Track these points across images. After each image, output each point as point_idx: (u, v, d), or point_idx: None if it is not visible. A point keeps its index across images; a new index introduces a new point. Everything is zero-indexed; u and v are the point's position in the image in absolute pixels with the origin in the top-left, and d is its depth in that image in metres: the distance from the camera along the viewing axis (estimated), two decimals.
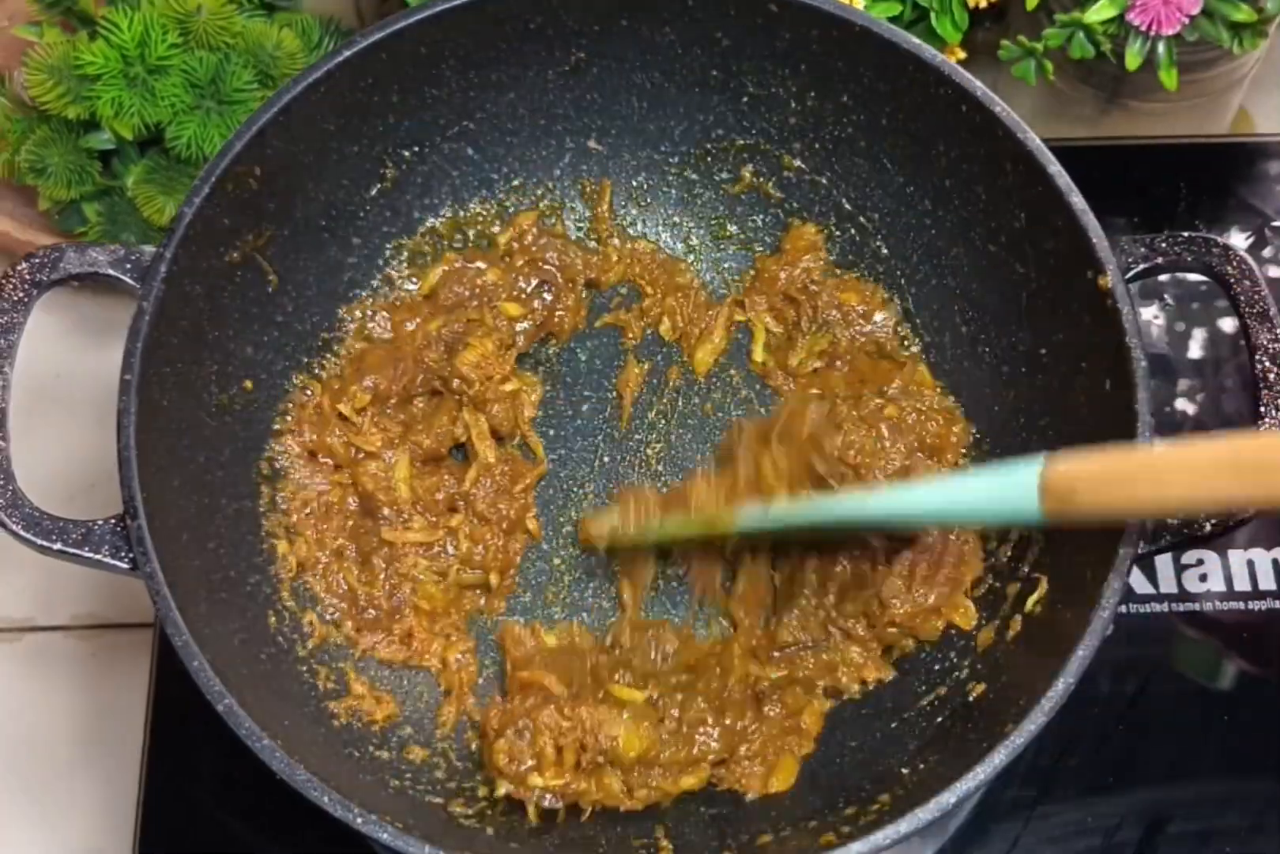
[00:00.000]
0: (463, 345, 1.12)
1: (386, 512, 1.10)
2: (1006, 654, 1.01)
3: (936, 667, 1.05)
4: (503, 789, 0.99)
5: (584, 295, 1.19)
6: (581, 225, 1.20)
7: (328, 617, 1.08)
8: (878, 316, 1.15)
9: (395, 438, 1.11)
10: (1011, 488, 0.88)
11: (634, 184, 1.20)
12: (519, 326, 1.15)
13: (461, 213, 1.18)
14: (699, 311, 1.18)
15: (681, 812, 1.02)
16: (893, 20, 1.15)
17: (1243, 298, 0.97)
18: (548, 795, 0.99)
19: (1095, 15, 1.16)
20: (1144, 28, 1.16)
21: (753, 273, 1.19)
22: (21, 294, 0.98)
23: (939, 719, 1.02)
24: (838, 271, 1.17)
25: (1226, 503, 0.84)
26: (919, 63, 1.04)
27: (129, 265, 0.99)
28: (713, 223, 1.21)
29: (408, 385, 1.12)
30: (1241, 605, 1.18)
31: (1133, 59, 1.18)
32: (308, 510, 1.09)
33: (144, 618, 1.20)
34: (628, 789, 1.01)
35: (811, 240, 1.17)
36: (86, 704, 1.20)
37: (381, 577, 1.08)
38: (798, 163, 1.16)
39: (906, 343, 1.15)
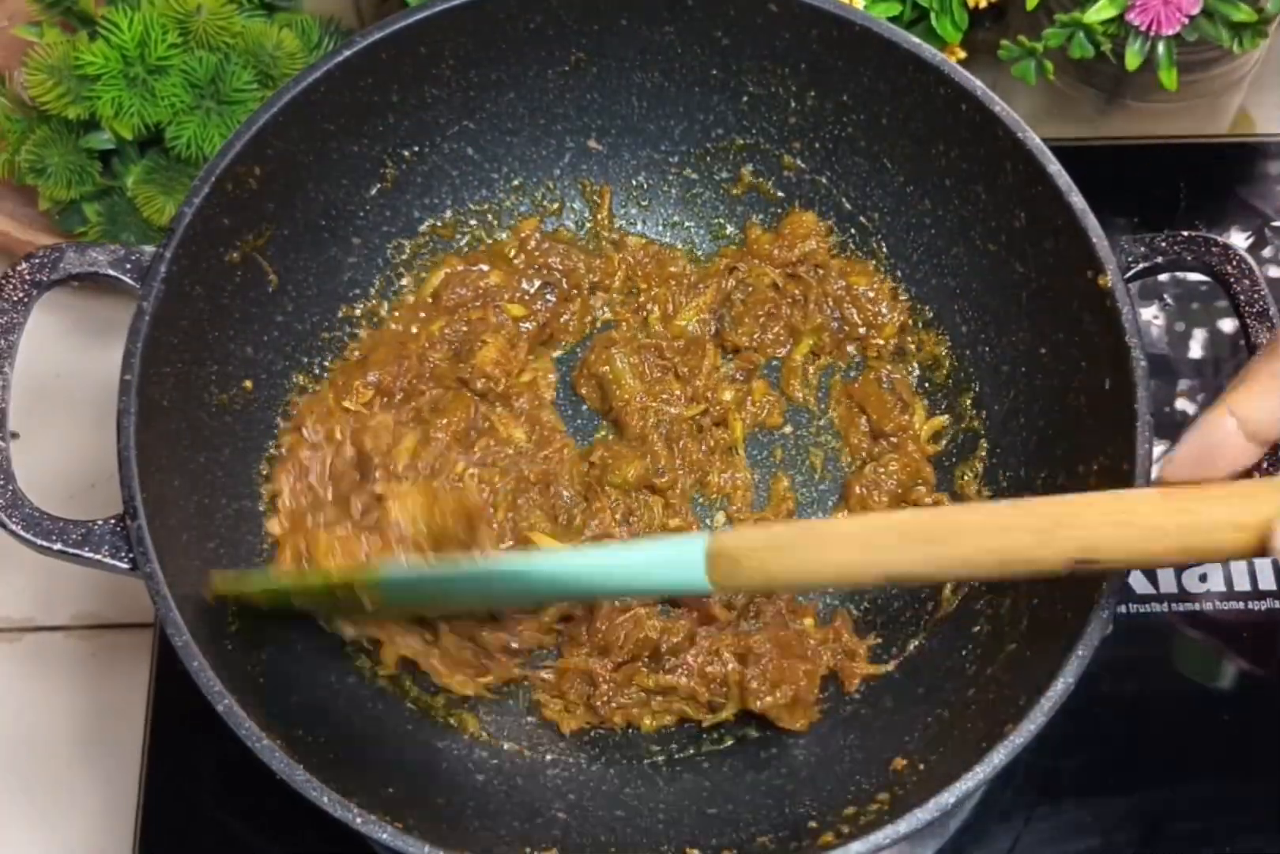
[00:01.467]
0: (479, 343, 1.12)
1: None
2: (1006, 654, 1.01)
3: (937, 666, 1.06)
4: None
5: (589, 299, 1.18)
6: (582, 225, 1.20)
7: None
8: (884, 306, 1.15)
9: (407, 422, 1.11)
10: (676, 558, 0.86)
11: (634, 183, 1.20)
12: (523, 326, 1.16)
13: (461, 212, 1.18)
14: (688, 293, 1.18)
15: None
16: (893, 20, 1.15)
17: (1242, 297, 0.97)
18: None
19: (1095, 15, 1.16)
20: (1144, 28, 1.16)
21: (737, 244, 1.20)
22: (21, 294, 0.98)
23: (939, 718, 1.02)
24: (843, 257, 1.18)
25: (897, 572, 0.82)
26: (919, 62, 1.04)
27: (129, 265, 0.99)
28: (713, 223, 1.21)
29: (413, 381, 1.12)
30: (1241, 605, 1.18)
31: (1133, 59, 1.18)
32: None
33: (144, 618, 1.20)
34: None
35: (811, 227, 1.17)
36: (86, 704, 1.20)
37: None
38: (798, 162, 1.16)
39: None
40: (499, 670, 1.05)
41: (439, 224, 1.17)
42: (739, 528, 0.86)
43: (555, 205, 1.20)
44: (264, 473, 1.08)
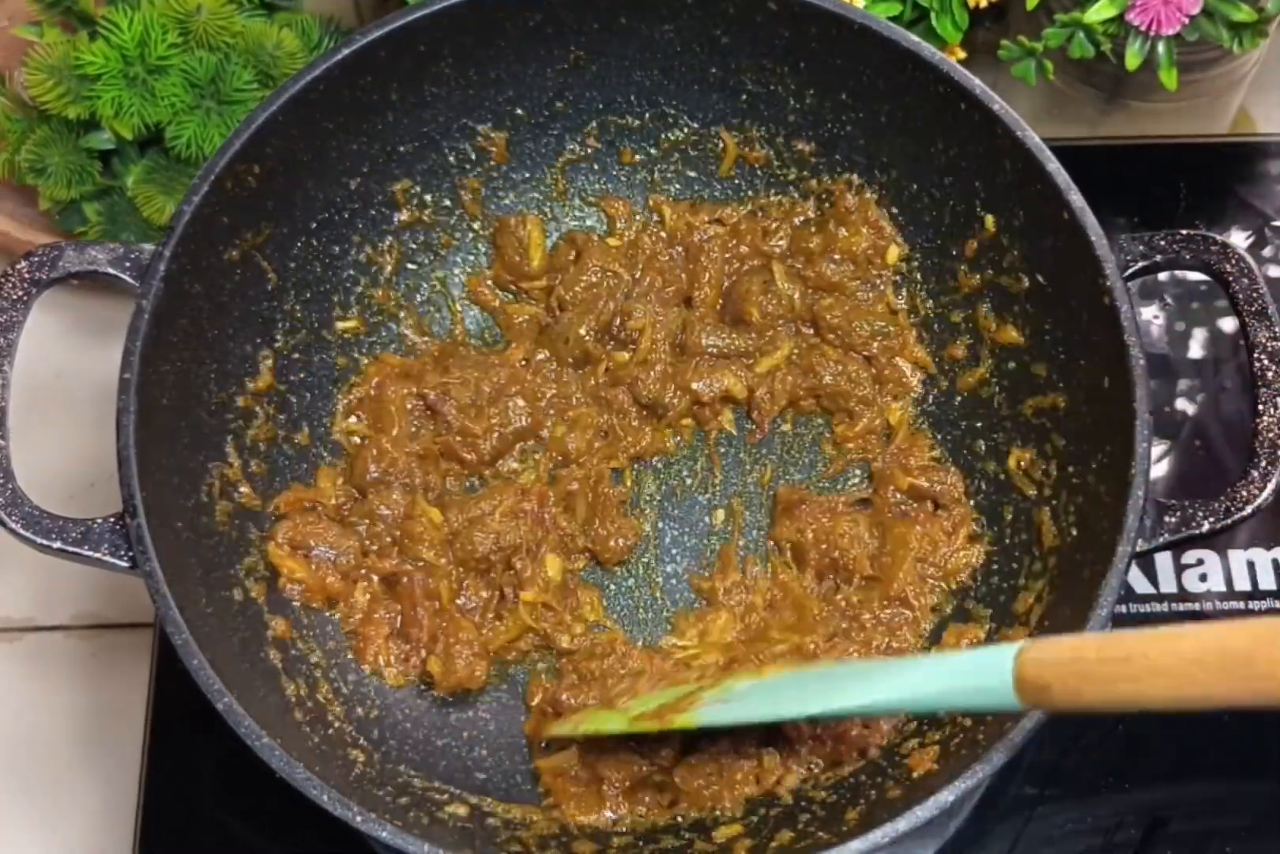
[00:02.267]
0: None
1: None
2: None
3: None
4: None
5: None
6: (581, 220, 1.21)
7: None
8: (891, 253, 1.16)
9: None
10: (985, 679, 0.81)
11: (634, 180, 1.20)
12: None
13: (461, 211, 1.18)
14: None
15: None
16: (893, 20, 1.15)
17: (1241, 296, 0.97)
18: None
19: (1095, 15, 1.16)
20: (1144, 28, 1.16)
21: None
22: (21, 293, 0.98)
23: (939, 717, 1.02)
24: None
25: (1215, 703, 0.74)
26: (918, 61, 1.04)
27: (128, 264, 0.99)
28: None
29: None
30: (1241, 605, 1.18)
31: (1133, 59, 1.18)
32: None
33: (144, 618, 1.20)
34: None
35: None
36: (86, 704, 1.20)
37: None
38: (796, 160, 1.16)
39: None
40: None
41: (439, 222, 1.18)
42: (1042, 646, 0.79)
43: (554, 199, 1.20)
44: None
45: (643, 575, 1.13)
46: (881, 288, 1.16)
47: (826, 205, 1.17)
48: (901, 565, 1.08)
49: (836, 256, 1.15)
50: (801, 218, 1.18)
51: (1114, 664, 0.76)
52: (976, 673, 0.82)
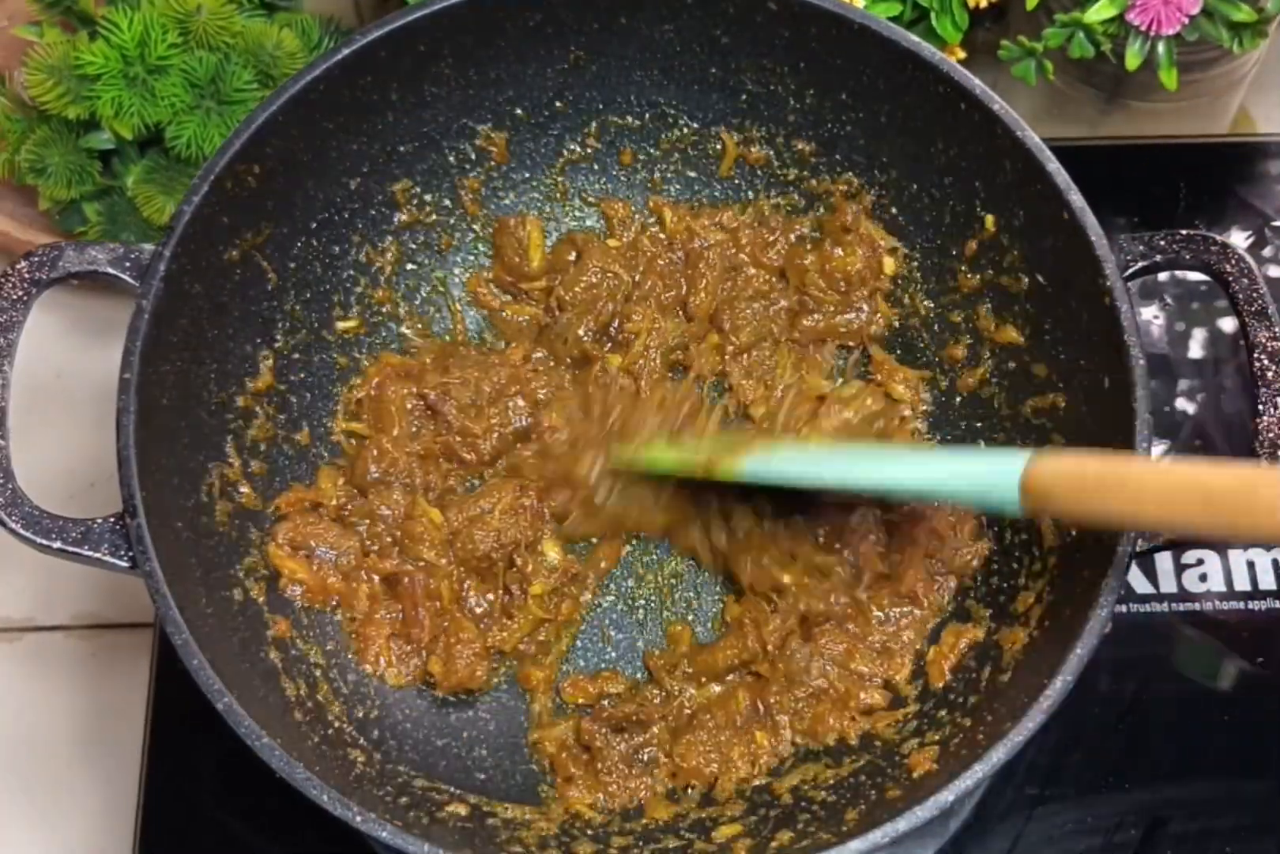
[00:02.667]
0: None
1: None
2: (1006, 652, 1.01)
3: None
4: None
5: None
6: (581, 220, 1.21)
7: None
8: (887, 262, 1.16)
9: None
10: (995, 478, 0.89)
11: (634, 180, 1.20)
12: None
13: (461, 211, 1.18)
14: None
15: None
16: (893, 20, 1.15)
17: (1241, 296, 0.97)
18: None
19: (1095, 15, 1.16)
20: (1144, 28, 1.16)
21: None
22: (21, 293, 0.98)
23: (938, 716, 1.02)
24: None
25: (1194, 528, 0.85)
26: (917, 61, 1.04)
27: (128, 264, 0.99)
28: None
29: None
30: (1241, 605, 1.18)
31: (1133, 59, 1.18)
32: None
33: (144, 618, 1.20)
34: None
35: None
36: (86, 704, 1.20)
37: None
38: (797, 160, 1.16)
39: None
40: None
41: (439, 221, 1.18)
42: (1053, 458, 0.88)
43: (556, 198, 1.20)
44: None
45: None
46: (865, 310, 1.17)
47: (823, 211, 1.17)
48: (912, 563, 1.08)
49: (824, 282, 1.16)
50: (798, 233, 1.18)
51: (1113, 482, 0.85)
52: (990, 469, 0.91)
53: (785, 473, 1.03)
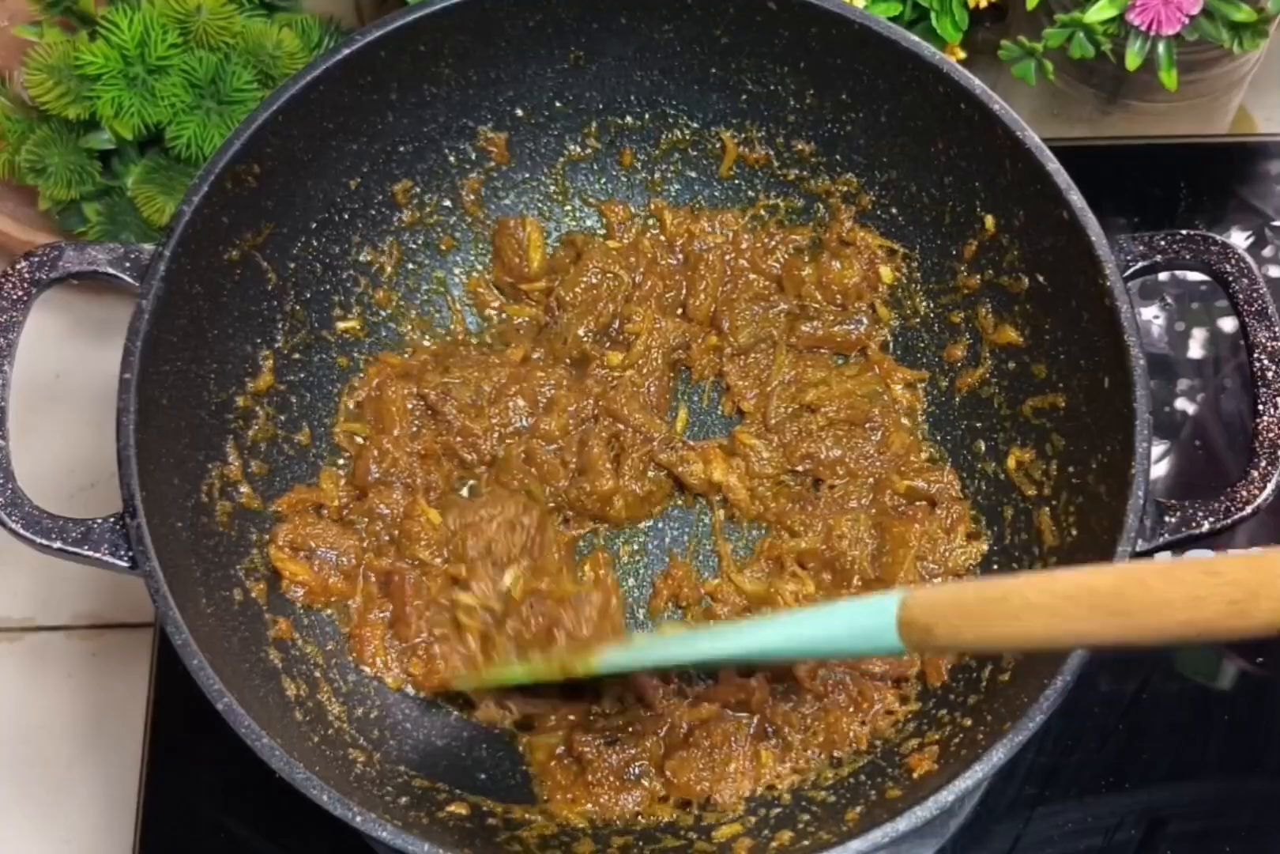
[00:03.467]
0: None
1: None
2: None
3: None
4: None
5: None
6: (581, 221, 1.21)
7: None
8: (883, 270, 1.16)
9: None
10: (869, 624, 0.85)
11: (634, 180, 1.20)
12: None
13: (461, 211, 1.18)
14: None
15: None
16: (893, 20, 1.15)
17: (1241, 296, 0.97)
18: None
19: (1095, 15, 1.16)
20: (1144, 28, 1.16)
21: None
22: (21, 293, 0.98)
23: (938, 716, 1.02)
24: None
25: (1088, 641, 0.81)
26: (918, 61, 1.04)
27: (128, 264, 0.99)
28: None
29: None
30: None
31: (1133, 59, 1.18)
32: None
33: (144, 618, 1.20)
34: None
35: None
36: (86, 704, 1.20)
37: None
38: (797, 160, 1.16)
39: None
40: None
41: (439, 221, 1.18)
42: (926, 592, 0.85)
43: (557, 199, 1.20)
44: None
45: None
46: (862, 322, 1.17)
47: (823, 212, 1.17)
48: (902, 565, 1.08)
49: (820, 295, 1.16)
50: (796, 244, 1.18)
51: (992, 603, 0.79)
52: (863, 618, 0.86)
53: (643, 659, 1.01)
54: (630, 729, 1.05)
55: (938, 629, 0.82)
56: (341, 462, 1.13)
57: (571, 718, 1.06)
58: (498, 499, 1.11)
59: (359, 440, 1.13)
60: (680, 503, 1.15)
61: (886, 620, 0.83)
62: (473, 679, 1.06)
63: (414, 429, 1.13)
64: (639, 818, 1.03)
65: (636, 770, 1.04)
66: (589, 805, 1.03)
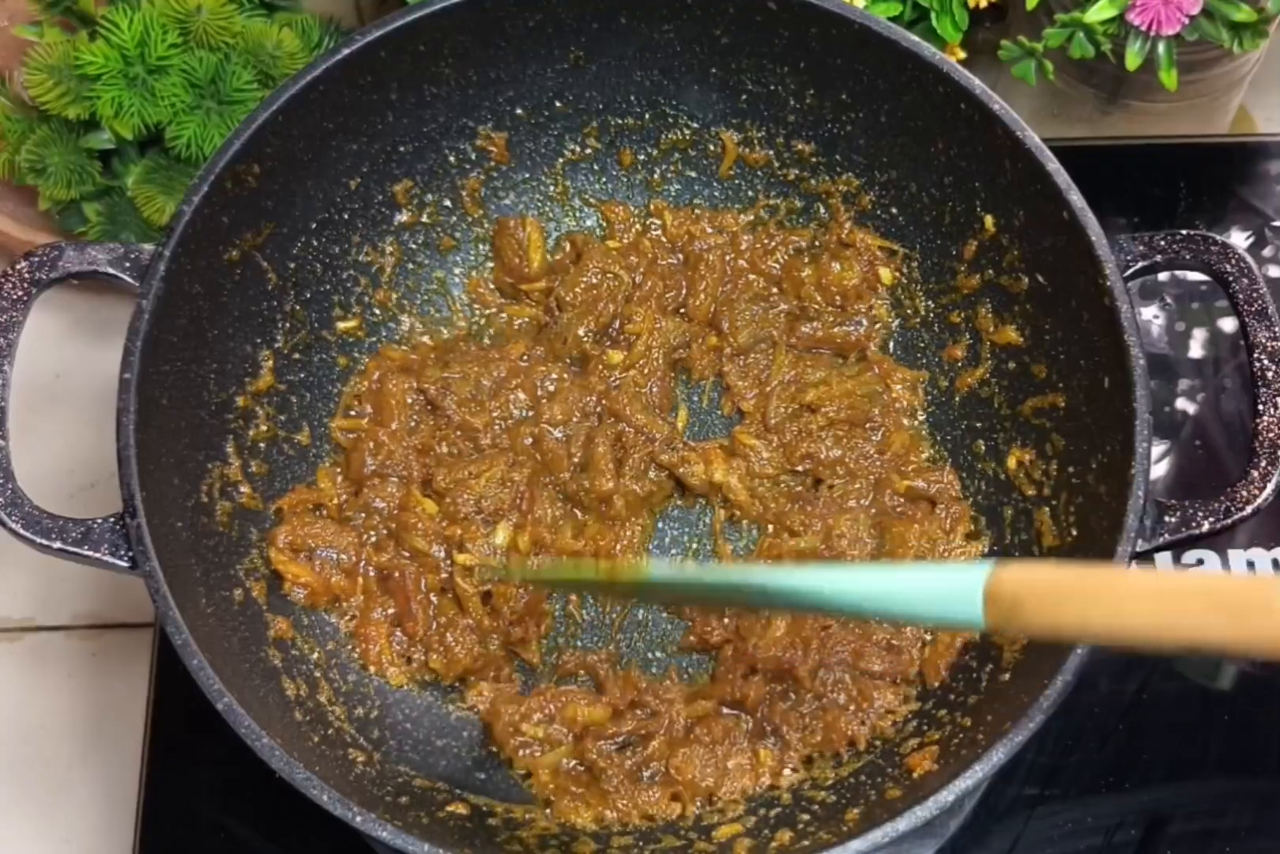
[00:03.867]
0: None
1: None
2: (1006, 652, 1.01)
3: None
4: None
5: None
6: (581, 221, 1.21)
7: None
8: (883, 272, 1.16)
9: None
10: (954, 590, 0.79)
11: (634, 180, 1.20)
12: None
13: (462, 211, 1.18)
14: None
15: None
16: (893, 20, 1.15)
17: (1241, 296, 0.97)
18: None
19: (1095, 15, 1.16)
20: (1144, 28, 1.16)
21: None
22: (21, 293, 0.98)
23: (938, 716, 1.02)
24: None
25: (1196, 639, 0.73)
26: (918, 61, 1.04)
27: (128, 264, 0.99)
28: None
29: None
30: None
31: (1133, 59, 1.18)
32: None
33: (144, 618, 1.20)
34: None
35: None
36: (86, 704, 1.20)
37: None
38: (797, 160, 1.16)
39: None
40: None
41: (439, 221, 1.18)
42: (1022, 566, 0.78)
43: (557, 198, 1.20)
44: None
45: None
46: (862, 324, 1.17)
47: (823, 212, 1.17)
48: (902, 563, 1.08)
49: (820, 297, 1.16)
50: (796, 245, 1.18)
51: (1097, 588, 0.75)
52: (946, 582, 0.80)
53: (705, 578, 0.98)
54: (639, 733, 1.05)
55: (1027, 605, 0.76)
56: (339, 458, 1.13)
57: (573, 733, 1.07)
58: (488, 458, 1.11)
59: (355, 436, 1.13)
60: (680, 503, 1.15)
61: (972, 588, 0.77)
62: (526, 571, 1.08)
63: (412, 423, 1.13)
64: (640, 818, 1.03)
65: (649, 773, 1.05)
66: (605, 811, 1.03)
